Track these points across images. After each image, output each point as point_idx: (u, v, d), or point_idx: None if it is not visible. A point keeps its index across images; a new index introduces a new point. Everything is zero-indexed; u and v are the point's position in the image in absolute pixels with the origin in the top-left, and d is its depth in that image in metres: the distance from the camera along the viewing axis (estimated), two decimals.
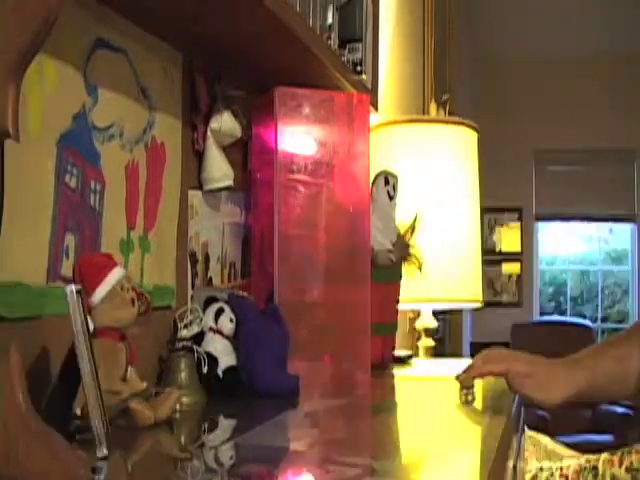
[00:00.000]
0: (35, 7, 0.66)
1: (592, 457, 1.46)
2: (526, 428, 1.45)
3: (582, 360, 1.21)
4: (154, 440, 0.92)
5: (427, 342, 2.17)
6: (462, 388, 1.19)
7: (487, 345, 1.67)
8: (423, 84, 3.50)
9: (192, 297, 1.34)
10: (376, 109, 1.87)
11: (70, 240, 1.00)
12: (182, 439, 0.98)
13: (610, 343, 1.31)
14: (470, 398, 1.19)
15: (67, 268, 0.99)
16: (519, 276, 6.93)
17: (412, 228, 1.74)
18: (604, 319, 7.29)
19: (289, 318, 1.30)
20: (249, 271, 1.54)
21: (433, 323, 2.19)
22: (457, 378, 1.19)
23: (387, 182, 1.66)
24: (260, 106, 1.49)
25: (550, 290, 7.50)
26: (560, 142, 6.77)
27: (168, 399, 0.97)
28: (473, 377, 1.19)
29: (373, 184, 1.64)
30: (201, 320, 1.23)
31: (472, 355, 1.30)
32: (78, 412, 0.85)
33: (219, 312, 1.24)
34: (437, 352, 2.31)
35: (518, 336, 6.05)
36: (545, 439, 1.66)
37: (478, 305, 2.22)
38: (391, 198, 1.67)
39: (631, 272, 7.10)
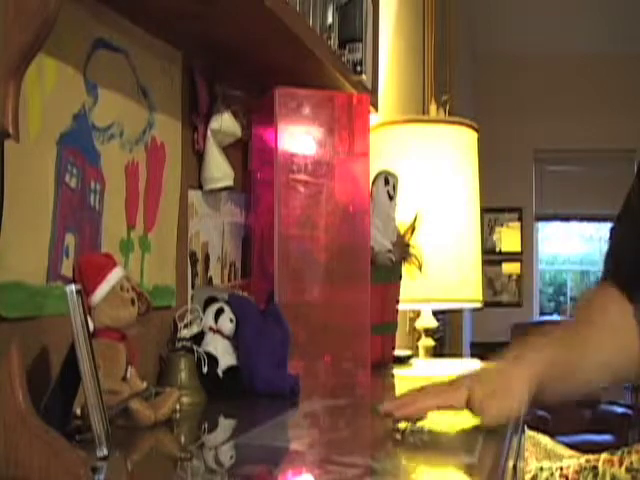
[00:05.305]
0: (35, 7, 0.66)
1: (592, 457, 1.45)
2: (526, 428, 1.45)
3: (530, 356, 1.11)
4: (154, 440, 0.92)
5: (427, 342, 2.17)
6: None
7: (487, 345, 1.67)
8: (423, 84, 3.50)
9: (192, 297, 1.34)
10: (376, 109, 1.87)
11: (70, 240, 1.00)
12: (182, 439, 0.98)
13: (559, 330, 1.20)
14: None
15: (67, 268, 0.99)
16: (519, 276, 6.93)
17: (412, 228, 1.74)
18: None
19: (289, 318, 1.30)
20: (249, 271, 1.54)
21: (433, 323, 2.18)
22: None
23: (387, 182, 1.66)
24: (260, 106, 1.49)
25: (550, 290, 7.50)
26: (560, 142, 6.78)
27: (168, 399, 0.97)
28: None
29: (373, 184, 1.64)
30: (201, 320, 1.23)
31: (472, 355, 1.30)
32: (78, 412, 0.85)
33: (219, 312, 1.24)
34: (437, 352, 2.31)
35: (518, 336, 6.03)
36: (545, 439, 1.65)
37: (478, 305, 2.22)
38: (391, 198, 1.67)
39: None
